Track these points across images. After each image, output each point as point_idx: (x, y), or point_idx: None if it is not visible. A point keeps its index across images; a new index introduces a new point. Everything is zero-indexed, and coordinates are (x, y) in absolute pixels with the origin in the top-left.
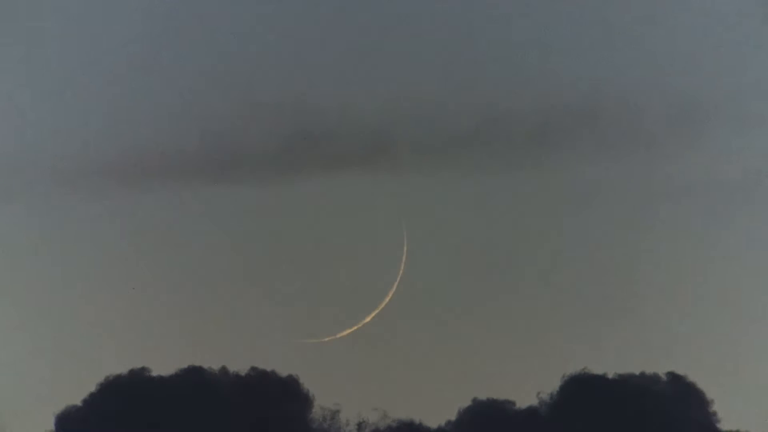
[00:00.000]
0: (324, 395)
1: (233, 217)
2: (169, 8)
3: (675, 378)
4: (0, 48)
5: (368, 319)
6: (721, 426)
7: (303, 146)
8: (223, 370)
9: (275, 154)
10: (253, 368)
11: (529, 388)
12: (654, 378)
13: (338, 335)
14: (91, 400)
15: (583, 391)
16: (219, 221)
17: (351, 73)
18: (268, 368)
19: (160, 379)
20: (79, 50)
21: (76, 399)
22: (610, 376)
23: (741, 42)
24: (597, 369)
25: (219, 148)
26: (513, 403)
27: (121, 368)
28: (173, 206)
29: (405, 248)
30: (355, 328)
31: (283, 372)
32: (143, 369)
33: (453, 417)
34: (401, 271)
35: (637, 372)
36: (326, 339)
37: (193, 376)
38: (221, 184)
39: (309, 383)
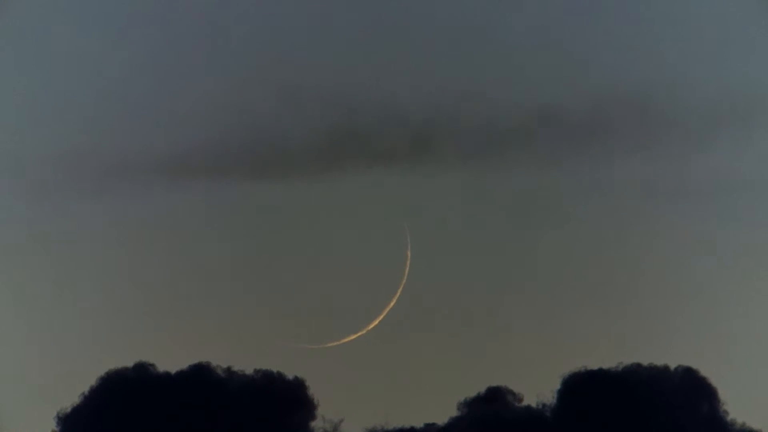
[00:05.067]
0: (326, 401)
1: (248, 215)
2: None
3: (686, 372)
4: (26, 40)
5: (371, 325)
6: (731, 425)
7: (342, 143)
8: (229, 369)
9: (311, 151)
10: (257, 370)
11: (533, 388)
12: (663, 371)
13: (342, 340)
14: (94, 397)
15: (585, 388)
16: (235, 218)
17: (396, 68)
18: (273, 370)
19: (167, 375)
20: (116, 45)
21: (79, 398)
22: (613, 367)
23: None
24: (599, 366)
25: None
26: (519, 397)
27: (126, 365)
28: (186, 204)
29: (408, 253)
30: (360, 333)
31: (289, 375)
32: (150, 365)
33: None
34: (406, 274)
35: (645, 363)
36: (329, 344)
37: (199, 373)
38: (248, 182)
39: (311, 388)
